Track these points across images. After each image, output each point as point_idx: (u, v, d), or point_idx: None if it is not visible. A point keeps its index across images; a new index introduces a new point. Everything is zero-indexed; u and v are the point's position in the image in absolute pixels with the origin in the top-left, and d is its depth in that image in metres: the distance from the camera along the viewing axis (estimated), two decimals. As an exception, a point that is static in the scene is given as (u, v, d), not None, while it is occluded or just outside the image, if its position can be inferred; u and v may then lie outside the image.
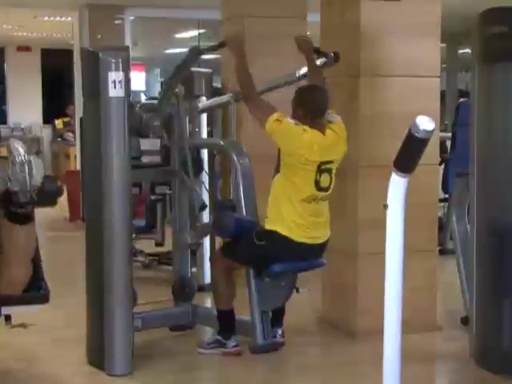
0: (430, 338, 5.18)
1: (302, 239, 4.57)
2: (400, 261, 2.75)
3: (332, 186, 4.60)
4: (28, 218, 4.03)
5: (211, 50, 5.15)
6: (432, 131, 2.60)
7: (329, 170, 4.56)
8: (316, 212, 4.58)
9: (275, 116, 4.49)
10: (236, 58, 4.76)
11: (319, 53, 4.99)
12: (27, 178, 3.90)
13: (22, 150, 3.95)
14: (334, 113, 4.66)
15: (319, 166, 4.51)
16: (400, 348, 2.79)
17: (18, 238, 4.06)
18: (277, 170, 4.62)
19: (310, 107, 4.54)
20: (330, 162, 4.56)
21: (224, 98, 5.80)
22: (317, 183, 4.52)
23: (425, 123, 2.57)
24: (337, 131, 4.61)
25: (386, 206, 2.74)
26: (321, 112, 4.56)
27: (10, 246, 3.96)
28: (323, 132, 4.54)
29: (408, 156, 2.68)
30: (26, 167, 3.91)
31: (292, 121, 4.51)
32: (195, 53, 4.91)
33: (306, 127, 4.50)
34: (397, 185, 2.75)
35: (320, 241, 4.66)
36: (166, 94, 5.28)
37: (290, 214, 4.54)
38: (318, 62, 4.94)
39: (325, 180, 4.55)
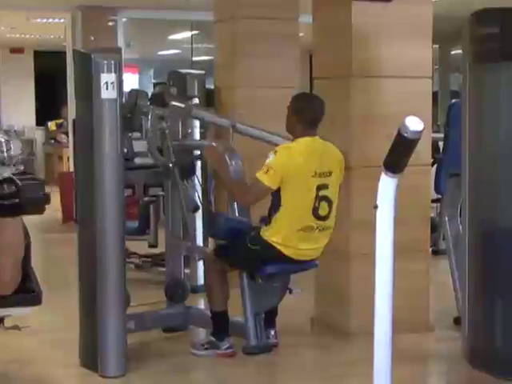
0: (423, 338, 5.19)
1: (297, 257, 4.62)
2: (390, 261, 2.76)
3: (331, 216, 4.60)
4: (15, 207, 3.88)
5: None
6: (421, 132, 2.61)
7: (327, 198, 4.55)
8: (311, 239, 4.59)
9: (261, 173, 4.45)
10: (219, 170, 4.81)
11: None
12: (4, 152, 3.80)
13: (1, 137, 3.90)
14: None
15: (318, 190, 4.50)
16: (391, 348, 2.79)
17: (5, 233, 3.96)
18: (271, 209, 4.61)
19: (304, 116, 4.56)
20: (326, 176, 4.54)
21: (222, 121, 5.67)
22: (315, 210, 4.52)
23: (414, 124, 2.59)
24: (330, 146, 4.63)
25: (376, 207, 2.75)
26: (314, 122, 4.58)
27: None
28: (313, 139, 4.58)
29: (397, 156, 2.69)
30: (4, 145, 3.82)
31: (271, 156, 4.47)
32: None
33: (284, 145, 4.55)
34: (386, 185, 2.76)
35: (313, 257, 4.73)
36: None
37: (286, 237, 4.54)
38: None
39: (323, 208, 4.55)
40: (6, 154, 3.77)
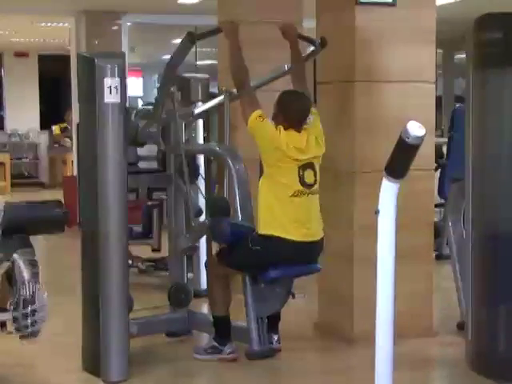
0: (427, 344, 5.18)
1: (298, 238, 4.56)
2: (392, 265, 2.75)
3: (317, 181, 4.62)
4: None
5: (207, 35, 5.08)
6: (422, 137, 2.61)
7: (311, 165, 4.58)
8: (307, 206, 4.58)
9: (259, 112, 4.55)
10: (230, 43, 4.82)
11: (304, 39, 5.00)
12: (29, 324, 3.91)
13: (26, 275, 3.93)
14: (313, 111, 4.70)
15: (300, 165, 4.53)
16: (392, 353, 2.78)
17: None
18: (261, 175, 4.64)
19: (290, 116, 4.58)
20: (310, 159, 4.57)
21: (218, 98, 5.76)
22: (301, 179, 4.54)
23: (415, 129, 2.58)
24: (309, 130, 4.63)
25: (377, 212, 2.75)
26: (299, 122, 4.60)
27: None
28: (299, 132, 4.59)
29: (399, 161, 2.69)
30: (29, 310, 3.90)
31: (272, 122, 4.57)
32: (191, 38, 4.88)
33: (281, 128, 4.55)
34: (388, 190, 2.76)
35: (316, 238, 4.65)
36: (162, 90, 5.22)
37: (282, 212, 4.54)
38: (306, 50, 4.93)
39: (309, 176, 4.57)
40: (29, 323, 3.82)
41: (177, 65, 5.00)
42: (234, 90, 5.20)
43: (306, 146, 4.58)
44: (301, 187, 4.55)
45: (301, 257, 4.66)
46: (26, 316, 3.96)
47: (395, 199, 2.76)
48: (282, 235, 4.54)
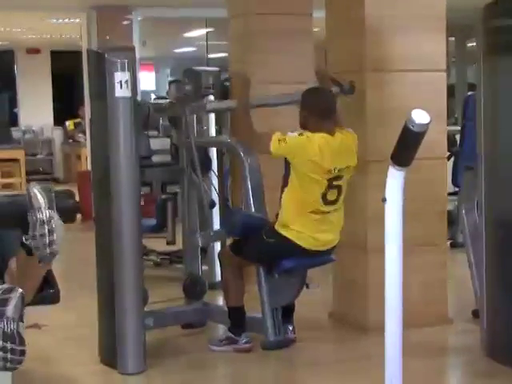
0: (442, 331, 5.18)
1: (311, 247, 4.61)
2: (399, 253, 2.76)
3: (340, 199, 4.60)
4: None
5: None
6: (427, 125, 2.61)
7: (338, 187, 4.56)
8: (324, 222, 4.59)
9: (277, 136, 4.47)
10: (244, 119, 4.80)
11: (335, 82, 4.99)
12: (47, 243, 3.88)
13: (42, 202, 3.92)
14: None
15: (330, 181, 4.50)
16: (401, 340, 2.79)
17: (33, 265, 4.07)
18: (284, 186, 4.60)
19: (315, 110, 4.55)
20: (342, 170, 4.54)
21: (232, 103, 5.71)
22: (324, 196, 4.52)
23: (420, 117, 2.59)
24: (348, 136, 4.62)
25: (384, 200, 2.76)
26: (325, 114, 4.55)
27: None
28: (332, 134, 4.55)
29: (404, 149, 2.70)
30: (47, 230, 3.87)
31: (294, 133, 4.49)
32: None
33: (308, 134, 4.49)
34: (394, 178, 2.77)
35: (328, 247, 4.71)
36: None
37: (299, 224, 4.55)
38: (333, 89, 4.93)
39: (332, 194, 4.55)
40: (47, 249, 3.84)
41: None
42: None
43: (341, 148, 4.53)
44: (320, 205, 4.52)
45: (312, 256, 4.69)
46: (43, 236, 3.94)
47: (402, 187, 2.77)
48: (295, 240, 4.57)
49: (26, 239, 3.80)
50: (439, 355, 4.86)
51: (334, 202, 4.57)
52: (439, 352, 4.91)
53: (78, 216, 10.39)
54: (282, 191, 4.61)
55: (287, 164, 4.55)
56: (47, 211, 3.84)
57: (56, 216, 3.84)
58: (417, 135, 2.61)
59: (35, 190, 3.87)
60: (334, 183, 4.53)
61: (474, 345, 4.75)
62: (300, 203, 4.54)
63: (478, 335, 4.75)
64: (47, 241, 3.84)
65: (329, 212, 4.57)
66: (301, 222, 4.55)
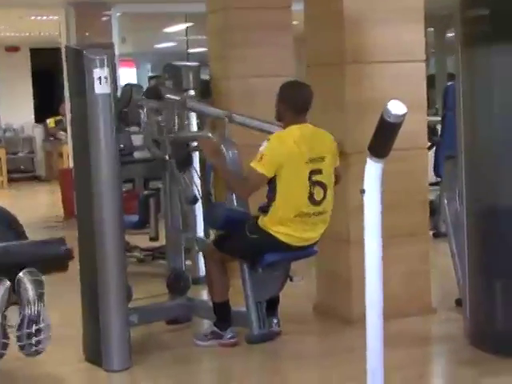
0: (426, 321, 5.21)
1: (293, 243, 4.63)
2: (379, 245, 2.77)
3: (326, 200, 4.61)
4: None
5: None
6: (403, 115, 2.62)
7: (321, 183, 4.57)
8: (307, 223, 4.61)
9: (254, 161, 4.49)
10: (214, 162, 4.90)
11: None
12: (33, 343, 3.92)
13: (31, 295, 3.93)
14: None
15: (311, 174, 4.51)
16: (382, 332, 2.81)
17: None
18: (271, 201, 4.60)
19: (292, 104, 4.59)
20: (319, 162, 4.55)
21: (217, 112, 5.57)
22: (311, 196, 4.54)
23: (396, 108, 2.60)
24: (325, 136, 4.66)
25: (362, 191, 2.77)
26: (302, 109, 4.61)
27: None
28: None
29: (381, 140, 2.71)
30: (34, 329, 3.90)
31: (264, 144, 4.52)
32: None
33: (277, 133, 4.58)
34: (372, 169, 2.78)
35: (311, 242, 4.73)
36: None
37: (284, 227, 4.57)
38: None
39: (318, 193, 4.57)
40: (33, 348, 3.84)
41: None
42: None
43: (314, 137, 4.58)
44: (307, 207, 4.53)
45: (297, 250, 4.71)
46: (30, 336, 3.99)
47: (380, 178, 2.78)
48: (280, 237, 4.59)
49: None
50: (423, 344, 4.88)
51: (320, 203, 4.58)
52: (423, 341, 4.94)
53: (61, 213, 10.36)
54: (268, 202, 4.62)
55: (270, 183, 4.55)
56: (36, 307, 3.90)
57: (45, 313, 3.89)
58: (393, 126, 2.62)
59: (25, 281, 3.93)
60: (315, 179, 4.55)
61: (458, 333, 4.78)
62: (287, 208, 4.54)
63: (461, 324, 4.78)
64: (33, 341, 3.90)
65: (314, 214, 4.58)
66: (287, 225, 4.57)
